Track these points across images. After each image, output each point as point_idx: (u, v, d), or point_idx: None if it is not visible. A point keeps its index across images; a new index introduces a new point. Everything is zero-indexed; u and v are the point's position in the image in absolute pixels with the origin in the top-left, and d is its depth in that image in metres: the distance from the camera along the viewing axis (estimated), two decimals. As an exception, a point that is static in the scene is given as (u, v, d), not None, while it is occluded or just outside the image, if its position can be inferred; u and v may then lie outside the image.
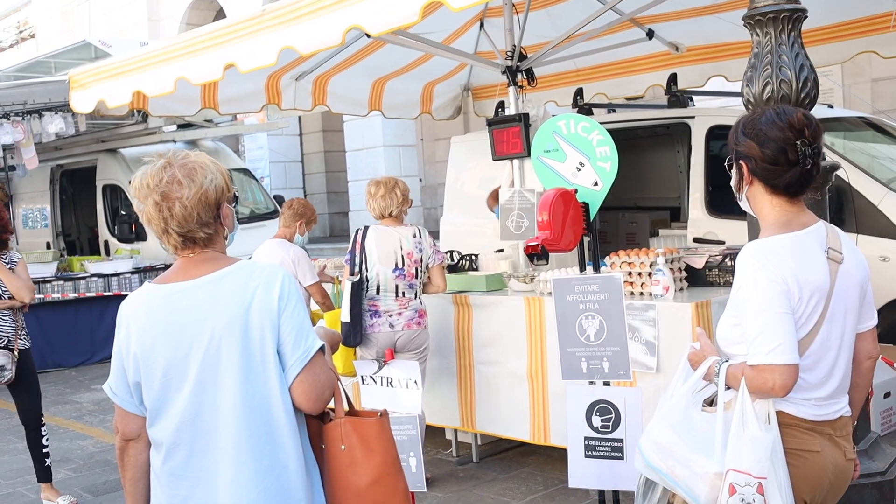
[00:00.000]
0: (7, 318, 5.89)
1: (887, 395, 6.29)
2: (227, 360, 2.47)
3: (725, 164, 2.88)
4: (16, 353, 5.85)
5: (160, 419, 2.54)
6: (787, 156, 2.69)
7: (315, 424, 2.67)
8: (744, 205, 2.90)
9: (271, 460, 2.50)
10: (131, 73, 6.17)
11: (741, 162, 2.79)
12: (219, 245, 2.64)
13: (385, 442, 2.65)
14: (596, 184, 3.78)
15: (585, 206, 3.80)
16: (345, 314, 5.45)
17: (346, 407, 2.68)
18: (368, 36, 5.20)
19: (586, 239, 3.92)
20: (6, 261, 5.94)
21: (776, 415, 2.67)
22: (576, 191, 3.79)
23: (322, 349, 2.58)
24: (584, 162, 3.78)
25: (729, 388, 2.73)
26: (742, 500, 2.57)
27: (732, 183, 2.89)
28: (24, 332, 5.98)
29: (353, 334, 5.47)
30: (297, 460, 2.53)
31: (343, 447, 2.61)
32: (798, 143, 2.69)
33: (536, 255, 3.67)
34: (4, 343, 5.82)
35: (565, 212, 3.65)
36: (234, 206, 2.75)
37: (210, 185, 2.55)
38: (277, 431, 2.50)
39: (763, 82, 3.69)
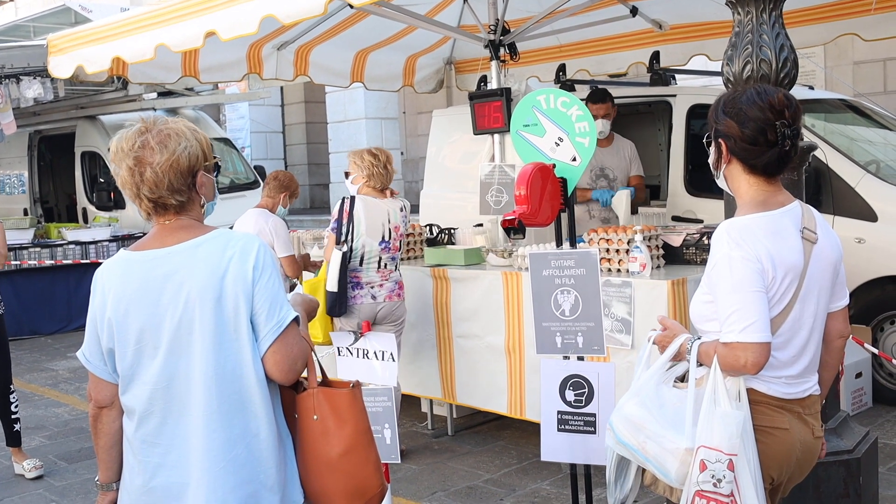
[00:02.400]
0: None
1: (858, 375, 6.37)
2: (201, 328, 2.47)
3: (704, 140, 2.89)
4: None
5: (133, 386, 2.54)
6: (767, 136, 2.70)
7: (289, 394, 2.67)
8: (721, 182, 2.91)
9: (242, 429, 2.50)
10: (111, 39, 6.09)
11: (720, 140, 2.80)
12: (194, 213, 2.62)
13: (357, 413, 2.65)
14: (574, 159, 3.78)
15: (563, 181, 3.80)
16: (332, 284, 5.44)
17: (319, 377, 2.69)
18: (351, 7, 5.17)
19: (563, 214, 3.92)
20: None
21: (747, 392, 2.69)
22: (554, 166, 3.79)
23: (296, 320, 2.58)
24: (562, 137, 3.77)
25: (701, 365, 2.75)
26: (713, 477, 2.60)
27: (710, 160, 2.89)
28: None
29: (339, 304, 5.46)
30: (268, 429, 2.54)
31: (315, 417, 2.61)
32: (778, 123, 2.70)
33: (513, 228, 3.67)
34: None
35: (543, 186, 3.65)
36: (216, 176, 2.74)
37: (183, 153, 2.53)
38: (249, 400, 2.51)
39: (743, 61, 3.68)
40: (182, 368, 2.49)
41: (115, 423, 2.63)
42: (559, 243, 3.98)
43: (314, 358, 2.68)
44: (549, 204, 3.68)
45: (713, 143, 2.85)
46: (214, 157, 2.67)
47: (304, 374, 2.66)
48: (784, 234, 2.71)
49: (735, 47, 3.73)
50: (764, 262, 2.63)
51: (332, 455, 2.61)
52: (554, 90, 3.79)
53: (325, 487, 2.63)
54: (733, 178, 2.83)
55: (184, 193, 2.56)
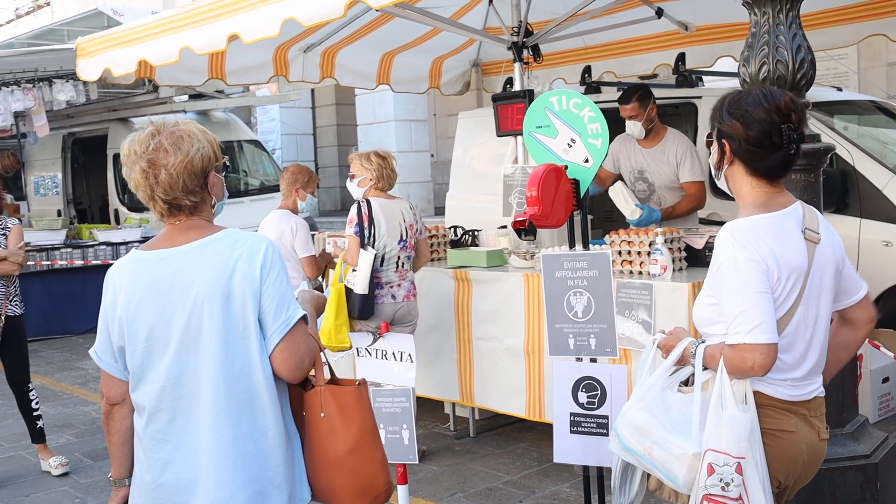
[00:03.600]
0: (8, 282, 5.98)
1: (885, 380, 6.29)
2: (209, 327, 2.50)
3: (705, 139, 2.86)
4: (2, 318, 5.93)
5: (143, 384, 2.58)
6: (772, 139, 2.68)
7: (297, 392, 2.70)
8: (721, 183, 2.88)
9: (250, 426, 2.53)
10: (136, 42, 6.17)
11: (724, 141, 2.77)
12: (205, 213, 2.66)
13: (363, 411, 2.67)
14: (587, 160, 3.77)
15: (576, 182, 3.80)
16: (361, 286, 5.44)
17: (326, 375, 2.71)
18: (375, 10, 5.21)
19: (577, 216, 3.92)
20: (1, 226, 6.03)
21: (753, 395, 2.68)
22: (566, 167, 3.79)
23: (304, 318, 2.60)
24: (575, 138, 3.77)
25: (706, 368, 2.74)
26: (720, 480, 2.58)
27: (711, 160, 2.87)
28: (17, 299, 6.07)
29: (368, 306, 5.48)
30: (276, 427, 2.56)
31: (322, 415, 2.64)
32: (784, 127, 2.68)
33: (524, 230, 3.67)
34: None
35: (555, 188, 3.65)
36: (224, 176, 2.78)
37: (196, 154, 2.57)
38: (257, 398, 2.54)
39: (759, 62, 3.66)
40: (191, 366, 2.52)
41: (126, 419, 2.67)
42: (571, 245, 3.98)
43: (322, 356, 2.70)
44: (562, 205, 3.68)
45: (716, 143, 2.81)
46: (224, 157, 2.70)
47: (313, 372, 2.69)
48: (787, 235, 2.69)
49: (751, 48, 3.72)
50: (769, 263, 2.62)
51: (338, 452, 2.63)
52: (567, 91, 3.79)
53: (332, 485, 2.66)
54: (735, 179, 2.80)
55: (197, 194, 2.60)
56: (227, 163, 2.81)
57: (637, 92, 6.33)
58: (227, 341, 2.50)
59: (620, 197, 5.93)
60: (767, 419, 2.69)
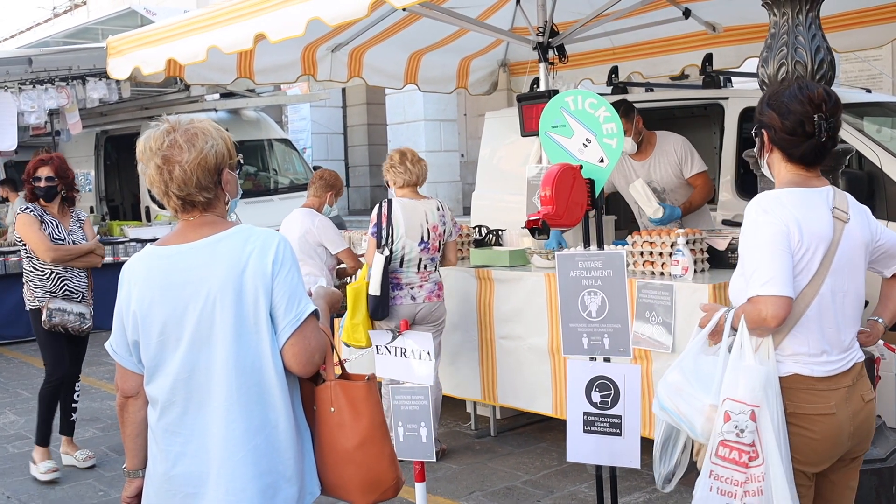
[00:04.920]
0: (83, 274, 6.15)
1: (910, 384, 6.21)
2: (221, 321, 2.53)
3: (753, 132, 3.07)
4: (91, 308, 6.16)
5: (156, 377, 2.62)
6: (805, 128, 2.88)
7: (308, 387, 2.73)
8: (765, 170, 3.09)
9: (261, 420, 2.57)
10: (165, 41, 6.24)
11: (763, 130, 2.99)
12: (219, 210, 2.70)
13: (372, 405, 2.70)
14: (602, 160, 3.78)
15: (591, 182, 3.80)
16: (374, 288, 5.49)
17: (337, 370, 2.74)
18: (403, 9, 5.24)
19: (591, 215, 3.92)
20: (74, 218, 6.19)
21: (790, 379, 2.83)
22: (581, 167, 3.80)
23: (315, 314, 2.63)
24: (590, 138, 3.78)
25: (735, 329, 2.88)
26: (736, 427, 2.76)
27: (755, 150, 3.09)
28: (92, 292, 6.25)
29: (382, 308, 5.52)
30: (287, 421, 2.60)
31: (332, 409, 2.67)
32: (816, 116, 2.87)
33: (537, 229, 3.68)
34: (80, 298, 6.08)
35: (570, 187, 3.66)
36: (239, 173, 2.82)
37: (210, 151, 2.61)
38: (268, 392, 2.57)
39: (778, 63, 3.66)
40: (203, 360, 2.56)
41: (140, 412, 2.72)
42: (586, 244, 3.98)
43: (332, 351, 2.73)
44: (576, 205, 3.69)
45: (757, 134, 3.03)
46: (238, 155, 2.74)
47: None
48: (813, 207, 2.86)
49: (770, 49, 3.71)
50: (790, 227, 2.78)
51: (348, 447, 2.66)
52: (583, 91, 3.80)
53: (342, 479, 2.69)
54: (774, 165, 3.02)
55: (211, 191, 2.64)
56: (241, 161, 2.85)
57: (620, 108, 6.20)
58: (239, 336, 2.54)
59: (643, 195, 5.91)
60: (806, 404, 2.83)
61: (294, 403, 2.66)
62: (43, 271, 5.96)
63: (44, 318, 5.88)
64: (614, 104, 6.35)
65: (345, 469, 2.67)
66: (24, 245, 6.00)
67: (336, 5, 4.91)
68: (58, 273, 5.98)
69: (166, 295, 2.58)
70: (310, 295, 2.75)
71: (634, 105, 6.27)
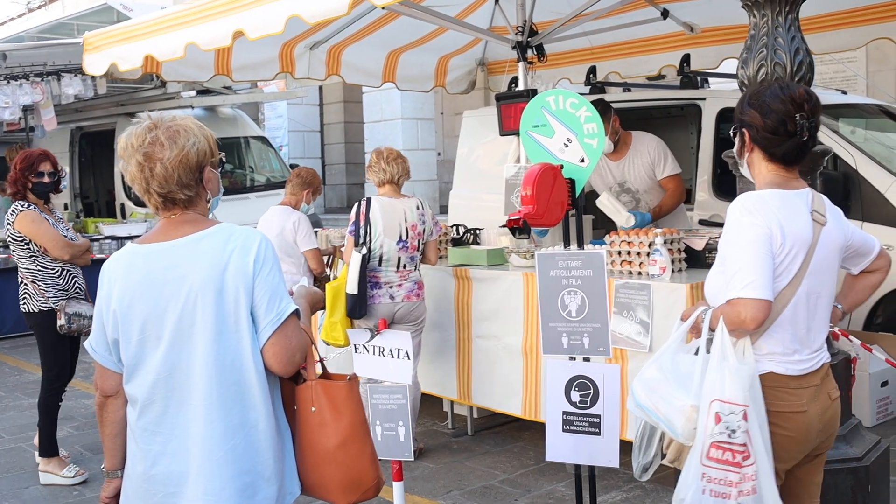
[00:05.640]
0: (82, 271, 6.00)
1: (884, 383, 6.29)
2: (202, 320, 2.52)
3: (731, 131, 3.08)
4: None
5: (136, 376, 2.60)
6: (787, 127, 2.90)
7: (289, 387, 2.72)
8: (744, 170, 3.09)
9: (241, 419, 2.56)
10: (143, 37, 6.20)
11: (744, 130, 3.00)
12: (200, 207, 2.69)
13: (353, 405, 2.69)
14: (582, 160, 3.79)
15: (571, 182, 3.82)
16: (352, 286, 5.49)
17: (318, 370, 2.73)
18: (382, 7, 5.24)
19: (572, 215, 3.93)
20: (60, 218, 6.04)
21: (765, 377, 2.86)
22: (562, 166, 3.81)
23: (296, 313, 2.62)
24: (571, 138, 3.79)
25: (713, 330, 2.90)
26: (727, 428, 2.77)
27: (735, 149, 3.09)
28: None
29: (359, 306, 5.51)
30: (267, 420, 2.59)
31: (313, 409, 2.66)
32: (797, 115, 2.90)
33: (518, 229, 3.69)
34: (85, 296, 5.92)
35: (550, 187, 3.67)
36: (220, 171, 2.80)
37: (192, 148, 2.59)
38: (248, 391, 2.56)
39: (758, 64, 3.69)
40: (183, 359, 2.54)
41: (119, 411, 2.70)
42: (566, 244, 3.99)
43: (313, 350, 2.72)
44: (557, 205, 3.70)
45: (738, 133, 3.04)
46: (220, 153, 2.72)
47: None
48: (795, 210, 2.88)
49: (750, 50, 3.74)
50: (773, 230, 2.80)
51: (328, 446, 2.66)
52: (564, 91, 3.81)
53: (322, 479, 2.68)
54: (754, 164, 3.03)
55: (192, 188, 2.63)
56: (223, 159, 2.83)
57: (596, 107, 6.23)
58: (219, 335, 2.53)
59: (610, 207, 5.96)
60: (780, 401, 2.86)
61: (274, 403, 2.65)
62: (53, 269, 5.77)
63: (60, 322, 5.66)
64: (591, 103, 6.51)
65: (326, 469, 2.67)
66: (27, 244, 5.73)
67: (316, 3, 4.89)
68: (68, 270, 5.83)
69: (147, 293, 2.56)
70: (291, 294, 2.74)
71: (611, 105, 6.29)
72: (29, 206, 5.76)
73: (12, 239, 5.76)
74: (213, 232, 2.60)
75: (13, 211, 5.77)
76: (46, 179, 5.80)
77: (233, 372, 2.54)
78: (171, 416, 2.57)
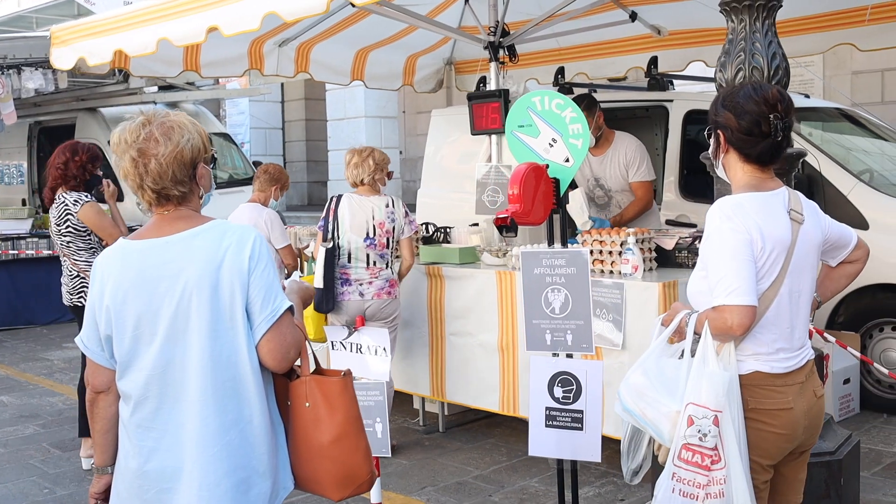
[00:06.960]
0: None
1: (846, 381, 6.43)
2: (197, 316, 2.52)
3: (705, 132, 3.09)
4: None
5: (130, 372, 2.59)
6: (761, 128, 2.93)
7: (282, 382, 2.73)
8: (719, 171, 3.12)
9: (236, 414, 2.56)
10: (113, 32, 6.15)
11: (719, 131, 3.02)
12: (193, 204, 2.69)
13: (347, 401, 2.71)
14: (567, 160, 3.84)
15: (556, 181, 3.87)
16: (318, 280, 5.52)
17: (312, 366, 2.75)
18: (353, 6, 5.25)
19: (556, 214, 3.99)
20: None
21: (751, 377, 2.90)
22: (547, 166, 3.86)
23: (291, 310, 2.64)
24: (556, 138, 3.84)
25: (697, 335, 2.93)
26: (699, 431, 2.82)
27: (710, 151, 3.11)
28: None
29: (326, 300, 5.54)
30: (261, 416, 2.60)
31: (307, 404, 2.67)
32: (771, 116, 2.93)
33: (506, 227, 3.74)
34: None
35: (536, 186, 3.72)
36: (213, 168, 2.81)
37: (186, 145, 2.60)
38: (243, 387, 2.57)
39: (735, 68, 3.76)
40: (178, 355, 2.54)
41: (111, 407, 2.69)
42: (551, 242, 4.05)
43: (307, 347, 2.73)
44: (542, 203, 3.75)
45: (713, 135, 3.06)
46: (212, 149, 2.73)
47: (298, 362, 2.72)
48: (773, 212, 2.91)
49: (728, 54, 3.81)
50: (753, 234, 2.83)
51: (323, 442, 2.67)
52: (549, 92, 3.86)
53: (316, 474, 2.70)
54: (730, 166, 3.06)
55: (186, 184, 2.63)
56: (216, 155, 2.84)
57: (582, 102, 6.35)
58: (214, 331, 2.53)
59: (576, 207, 5.98)
60: (766, 399, 2.90)
61: (269, 399, 2.66)
62: None
63: None
64: (578, 97, 6.58)
65: (320, 464, 2.68)
66: (88, 235, 5.71)
67: (294, 0, 4.89)
68: None
69: (141, 289, 2.56)
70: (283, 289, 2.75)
71: (596, 100, 6.41)
72: (92, 197, 5.71)
73: (72, 229, 5.70)
74: (208, 228, 2.61)
75: (76, 201, 5.70)
76: (101, 173, 5.79)
77: (228, 368, 2.55)
78: (165, 412, 2.57)
